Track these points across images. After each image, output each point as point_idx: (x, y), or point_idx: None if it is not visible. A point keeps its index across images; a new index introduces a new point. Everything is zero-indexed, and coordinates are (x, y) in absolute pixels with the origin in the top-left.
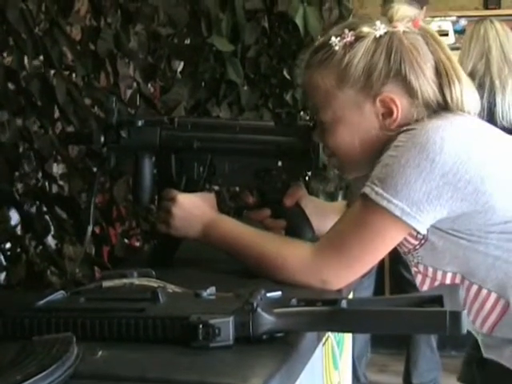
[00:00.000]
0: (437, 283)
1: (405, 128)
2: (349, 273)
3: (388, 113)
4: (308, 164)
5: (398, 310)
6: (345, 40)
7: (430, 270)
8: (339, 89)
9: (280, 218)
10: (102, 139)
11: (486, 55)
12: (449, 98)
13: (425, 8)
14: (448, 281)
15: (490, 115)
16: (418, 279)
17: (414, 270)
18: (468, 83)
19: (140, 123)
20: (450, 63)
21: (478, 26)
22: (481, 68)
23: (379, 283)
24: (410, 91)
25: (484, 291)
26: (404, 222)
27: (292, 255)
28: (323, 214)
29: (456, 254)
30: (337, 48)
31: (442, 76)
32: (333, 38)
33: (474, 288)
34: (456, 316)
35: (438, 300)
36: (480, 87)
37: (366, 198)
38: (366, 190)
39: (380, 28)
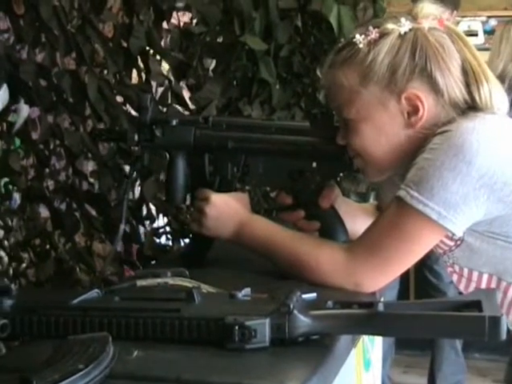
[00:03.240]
0: (473, 284)
1: (440, 130)
2: (382, 276)
3: (414, 111)
4: (343, 166)
5: (437, 315)
6: (369, 37)
7: (466, 270)
8: (363, 86)
9: (313, 220)
10: (136, 137)
11: None
12: (477, 98)
13: (455, 12)
14: (484, 282)
15: None
16: (455, 278)
17: (449, 269)
18: (496, 83)
19: (174, 122)
20: (477, 62)
21: (508, 27)
22: (511, 69)
23: (404, 286)
24: (435, 88)
25: None
26: (440, 226)
27: (326, 257)
28: (355, 216)
29: (493, 254)
30: (361, 46)
31: (468, 75)
32: (357, 36)
33: None
34: (495, 321)
35: (476, 305)
36: (510, 88)
37: (401, 202)
38: (401, 193)
39: (405, 24)
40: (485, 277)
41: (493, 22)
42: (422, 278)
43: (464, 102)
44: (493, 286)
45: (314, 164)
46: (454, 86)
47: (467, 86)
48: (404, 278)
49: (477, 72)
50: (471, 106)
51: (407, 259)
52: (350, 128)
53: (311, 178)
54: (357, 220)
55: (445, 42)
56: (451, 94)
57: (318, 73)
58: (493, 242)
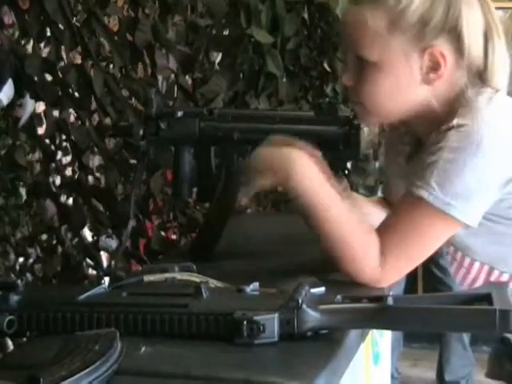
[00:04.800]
0: (463, 270)
1: (456, 124)
2: (402, 272)
3: (433, 67)
4: (349, 154)
5: (447, 308)
6: None
7: (459, 254)
8: (390, 33)
9: None
10: (141, 132)
11: None
12: (490, 62)
13: None
14: (475, 270)
15: None
16: (449, 260)
17: (445, 249)
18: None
19: (179, 114)
20: (497, 31)
21: None
22: None
23: (412, 281)
24: (460, 49)
25: None
26: (463, 223)
27: (369, 258)
28: (362, 208)
29: (490, 240)
30: None
31: (488, 40)
32: None
33: (505, 277)
34: (506, 314)
35: (486, 298)
36: None
37: (423, 202)
38: (423, 193)
39: None
40: (476, 265)
41: (500, 14)
42: (429, 273)
43: (477, 66)
44: (483, 274)
45: (320, 153)
46: (476, 48)
47: (485, 50)
48: (412, 274)
49: (496, 39)
50: (480, 74)
51: (427, 254)
52: (364, 71)
53: None
54: (364, 213)
55: (475, 2)
56: (472, 56)
57: (326, 65)
58: (492, 227)
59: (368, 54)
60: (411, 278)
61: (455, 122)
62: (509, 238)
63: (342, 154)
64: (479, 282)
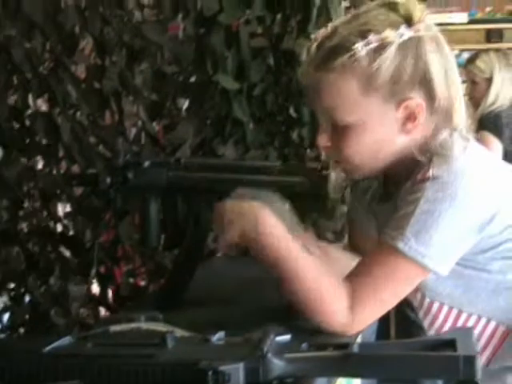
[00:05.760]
0: (430, 316)
1: (431, 175)
2: (374, 317)
3: (410, 118)
4: (316, 205)
5: (411, 355)
6: (370, 46)
7: (427, 300)
8: (364, 95)
9: None
10: (109, 181)
11: None
12: (452, 99)
13: None
14: (443, 314)
15: None
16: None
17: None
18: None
19: (146, 164)
20: (454, 65)
21: None
22: None
23: (385, 323)
24: (431, 94)
25: (483, 320)
26: (435, 272)
27: (338, 312)
28: (330, 256)
29: (459, 283)
30: (362, 53)
31: (448, 77)
32: (358, 44)
33: (473, 319)
34: (470, 360)
35: (451, 344)
36: None
37: (398, 252)
38: (399, 244)
39: (404, 34)
40: (445, 308)
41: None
42: (402, 316)
43: (445, 107)
44: (451, 318)
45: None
46: (443, 88)
47: (447, 86)
48: (384, 315)
49: (454, 72)
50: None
51: (399, 299)
52: (341, 132)
53: None
54: (330, 261)
55: (441, 47)
56: (442, 100)
57: (292, 111)
58: (460, 272)
59: (344, 118)
60: (384, 320)
61: (431, 172)
62: (477, 281)
63: (309, 205)
64: (447, 327)
